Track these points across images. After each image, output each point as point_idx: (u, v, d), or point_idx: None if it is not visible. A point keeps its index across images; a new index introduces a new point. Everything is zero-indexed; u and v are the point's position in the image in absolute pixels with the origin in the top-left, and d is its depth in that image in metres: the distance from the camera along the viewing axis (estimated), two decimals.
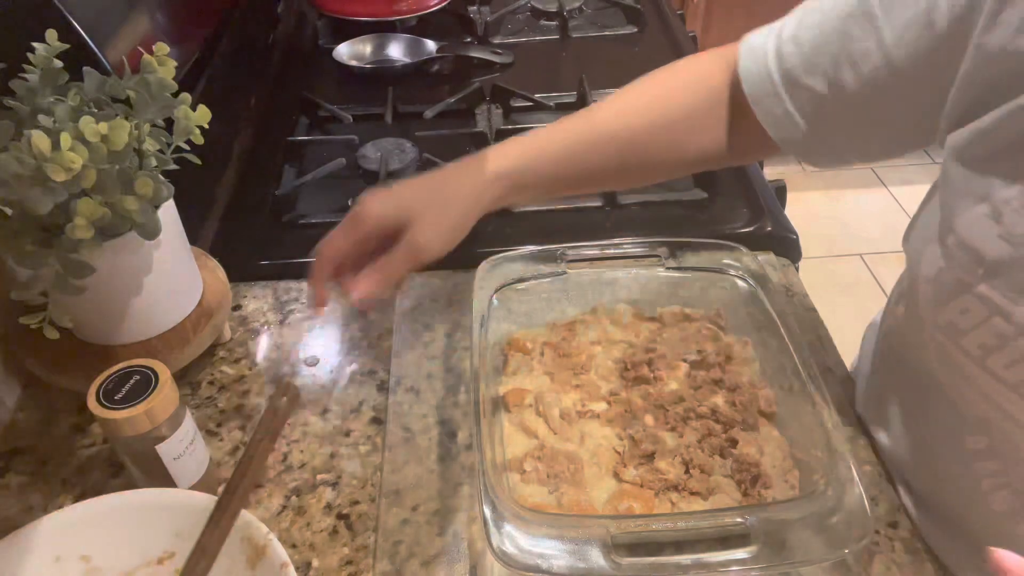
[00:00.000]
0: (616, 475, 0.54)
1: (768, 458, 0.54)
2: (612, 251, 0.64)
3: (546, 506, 0.52)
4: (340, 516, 0.61)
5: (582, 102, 1.08)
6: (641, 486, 0.53)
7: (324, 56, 1.21)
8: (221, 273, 0.74)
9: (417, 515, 0.61)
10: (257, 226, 0.88)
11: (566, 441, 0.56)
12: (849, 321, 1.04)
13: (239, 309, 0.79)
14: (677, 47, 1.23)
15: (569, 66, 1.20)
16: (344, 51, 1.19)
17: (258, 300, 0.80)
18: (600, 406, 0.59)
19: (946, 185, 0.47)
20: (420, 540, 0.59)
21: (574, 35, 1.28)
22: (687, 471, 0.54)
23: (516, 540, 0.45)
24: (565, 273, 0.63)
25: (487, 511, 0.46)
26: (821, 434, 0.50)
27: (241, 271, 0.80)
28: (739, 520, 0.45)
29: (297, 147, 1.01)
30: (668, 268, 0.64)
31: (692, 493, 0.52)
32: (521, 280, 0.63)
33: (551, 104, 1.08)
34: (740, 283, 0.62)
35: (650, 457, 0.54)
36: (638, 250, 0.64)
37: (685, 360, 0.61)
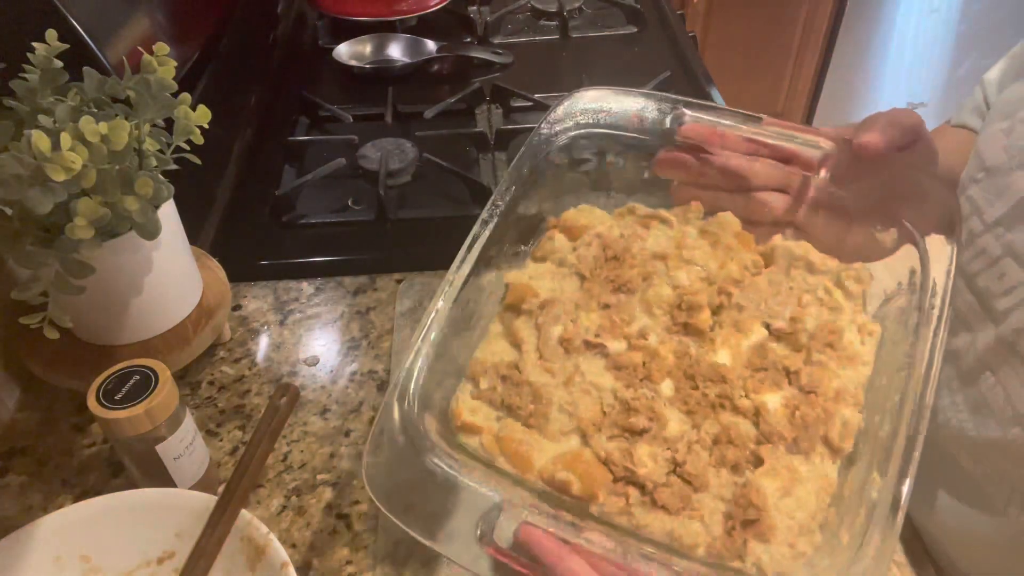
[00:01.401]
0: (582, 435, 0.42)
1: (792, 502, 0.38)
2: (764, 138, 0.46)
3: (480, 428, 0.43)
4: (340, 516, 0.61)
5: None
6: (604, 462, 0.41)
7: (324, 56, 1.21)
8: (221, 273, 0.74)
9: None
10: (257, 226, 0.88)
11: (547, 373, 0.44)
12: None
13: (239, 309, 0.79)
14: (677, 47, 1.23)
15: (569, 66, 1.20)
16: (344, 51, 1.19)
17: (258, 300, 0.80)
18: (618, 345, 0.44)
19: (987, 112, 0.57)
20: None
21: (574, 35, 1.28)
22: (668, 474, 0.40)
23: (395, 465, 0.36)
24: (674, 143, 0.45)
25: (381, 416, 0.37)
26: (872, 519, 0.34)
27: (241, 271, 0.80)
28: None
29: (297, 147, 1.01)
30: (831, 180, 0.45)
31: (657, 505, 0.39)
32: (611, 127, 0.47)
33: (551, 104, 1.08)
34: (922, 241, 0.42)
35: (636, 435, 0.41)
36: (798, 146, 0.46)
37: (766, 325, 0.44)
